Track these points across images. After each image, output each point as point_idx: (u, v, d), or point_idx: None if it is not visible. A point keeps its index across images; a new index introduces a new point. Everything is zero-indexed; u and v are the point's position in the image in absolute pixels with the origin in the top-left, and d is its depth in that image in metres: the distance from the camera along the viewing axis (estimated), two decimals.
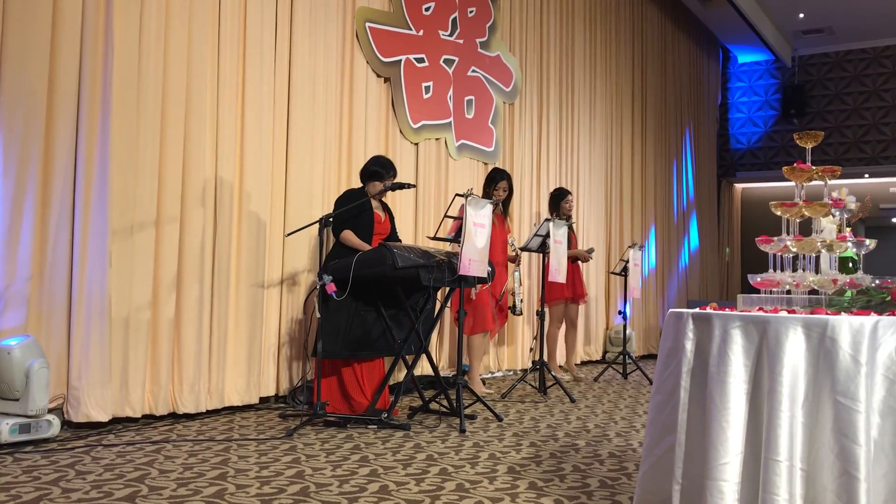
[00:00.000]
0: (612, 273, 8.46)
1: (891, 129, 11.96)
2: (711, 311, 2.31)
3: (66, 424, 4.02)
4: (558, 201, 7.05)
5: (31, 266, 3.89)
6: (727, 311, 2.26)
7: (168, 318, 4.43)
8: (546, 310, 7.06)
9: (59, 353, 4.01)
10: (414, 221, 6.31)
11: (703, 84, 12.34)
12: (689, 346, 2.33)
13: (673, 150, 11.15)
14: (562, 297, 7.00)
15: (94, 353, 4.04)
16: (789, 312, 2.19)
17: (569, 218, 7.10)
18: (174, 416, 4.48)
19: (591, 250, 7.23)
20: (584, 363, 8.44)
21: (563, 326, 7.19)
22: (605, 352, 8.98)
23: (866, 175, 12.05)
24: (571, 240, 7.06)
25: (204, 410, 4.58)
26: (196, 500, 2.83)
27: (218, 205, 4.73)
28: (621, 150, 9.67)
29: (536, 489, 3.11)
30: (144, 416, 4.35)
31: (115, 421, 4.19)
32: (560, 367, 7.37)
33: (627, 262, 7.52)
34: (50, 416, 3.76)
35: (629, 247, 7.59)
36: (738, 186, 13.43)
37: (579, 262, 7.17)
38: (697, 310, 2.36)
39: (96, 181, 4.09)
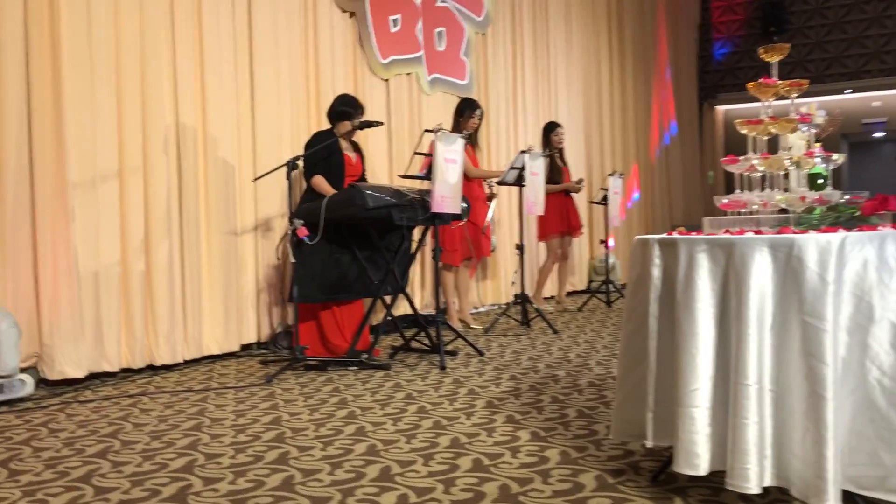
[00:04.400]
0: (593, 202, 8.40)
1: (872, 42, 11.79)
2: (677, 235, 2.25)
3: (43, 383, 3.99)
4: (548, 134, 6.96)
5: None
6: (693, 236, 2.20)
7: (139, 270, 4.35)
8: (544, 244, 7.05)
9: (28, 311, 3.94)
10: (388, 160, 6.20)
11: (681, 5, 12.08)
12: (657, 272, 2.28)
13: (652, 74, 10.97)
14: (557, 231, 6.96)
15: (63, 310, 3.98)
16: (756, 233, 2.13)
17: (560, 151, 7.01)
18: (153, 369, 4.45)
19: (580, 181, 7.14)
20: (568, 294, 8.43)
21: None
22: (590, 281, 8.98)
23: (849, 90, 11.92)
24: (563, 172, 6.99)
25: (182, 361, 4.55)
26: (169, 452, 2.80)
27: (182, 152, 4.61)
28: (599, 76, 9.50)
29: (514, 422, 3.10)
30: (123, 370, 4.32)
31: (93, 376, 4.15)
32: (546, 298, 7.36)
33: (608, 190, 7.46)
34: (23, 376, 3.72)
35: (609, 175, 7.51)
36: (720, 109, 13.27)
37: (572, 195, 7.09)
38: (663, 235, 2.30)
39: (51, 134, 3.96)
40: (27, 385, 3.72)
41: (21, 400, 3.69)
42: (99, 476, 2.53)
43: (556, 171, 6.95)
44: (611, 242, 8.00)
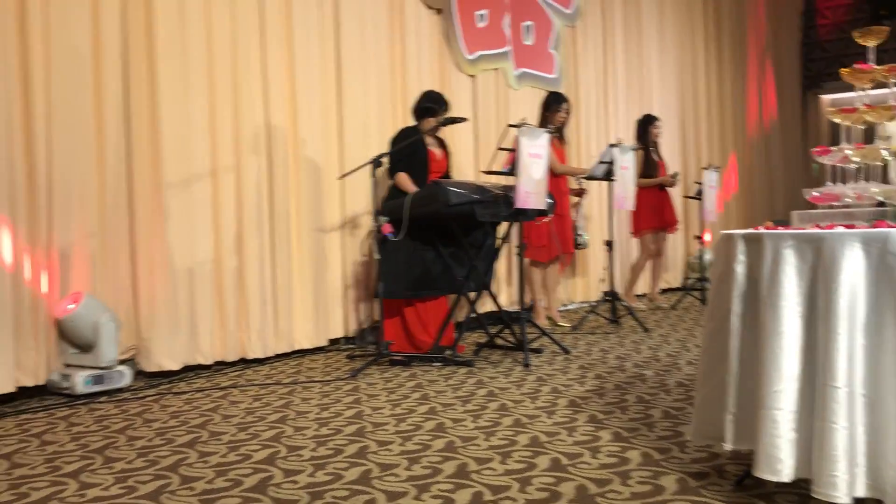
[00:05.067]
0: (687, 197, 8.16)
1: None
2: (763, 230, 2.15)
3: (141, 374, 4.16)
4: (646, 126, 6.82)
5: (92, 222, 3.97)
6: (779, 230, 2.10)
7: (232, 267, 4.49)
8: (637, 240, 6.91)
9: (126, 305, 4.12)
10: (474, 156, 6.19)
11: None
12: (740, 269, 2.18)
13: (752, 63, 10.56)
14: (651, 227, 6.82)
15: (160, 304, 4.14)
16: (847, 227, 2.01)
17: (655, 144, 6.86)
18: (245, 362, 4.59)
19: (675, 175, 6.96)
20: (662, 291, 8.22)
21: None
22: (685, 278, 8.74)
23: None
24: (658, 166, 6.84)
25: (273, 355, 4.67)
26: (253, 443, 2.88)
27: (272, 151, 4.73)
28: (695, 67, 9.21)
29: (596, 422, 3.04)
30: (216, 363, 4.46)
31: (188, 369, 4.30)
32: (638, 296, 7.20)
33: (702, 184, 7.23)
34: (122, 367, 3.89)
35: (703, 168, 7.28)
36: (826, 98, 12.66)
37: (667, 189, 6.92)
38: (748, 230, 2.20)
39: (147, 136, 4.13)
40: (125, 376, 3.89)
41: (119, 390, 3.86)
42: (186, 465, 2.62)
43: (651, 166, 6.79)
44: (707, 238, 7.76)
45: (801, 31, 12.19)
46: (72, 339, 3.82)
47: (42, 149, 3.74)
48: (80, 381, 3.70)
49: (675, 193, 7.48)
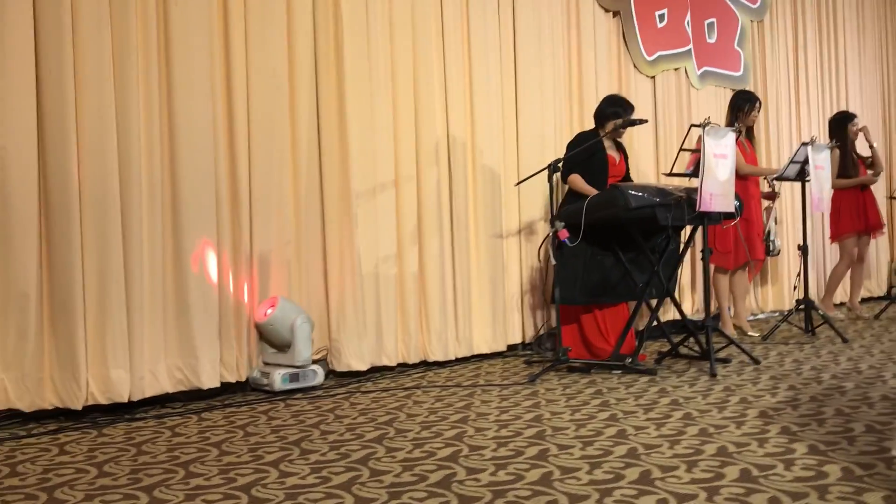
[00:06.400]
0: (892, 198, 7.52)
1: None
2: None
3: (332, 374, 4.40)
4: (845, 124, 6.33)
5: (289, 230, 4.25)
6: None
7: (412, 271, 4.65)
8: (837, 245, 6.48)
9: (319, 308, 4.37)
10: (654, 159, 6.04)
11: None
12: None
13: None
14: (853, 230, 6.34)
15: (348, 308, 4.36)
16: None
17: (853, 143, 6.40)
18: (426, 364, 4.73)
19: (877, 172, 6.43)
20: (863, 300, 7.61)
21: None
22: (889, 286, 8.04)
23: None
24: (858, 165, 6.37)
25: (453, 358, 4.78)
26: (437, 441, 2.96)
27: (452, 161, 4.85)
28: None
29: (789, 434, 2.87)
30: (399, 365, 4.63)
31: (374, 370, 4.50)
32: (836, 305, 6.71)
33: None
34: (315, 367, 4.13)
35: None
36: None
37: (870, 189, 6.42)
38: None
39: (337, 148, 4.38)
40: (318, 375, 4.13)
41: (313, 388, 4.10)
42: (375, 459, 2.74)
43: (850, 165, 6.32)
44: None
45: None
46: (270, 340, 4.11)
47: (244, 165, 4.06)
48: (278, 379, 3.96)
49: (879, 194, 6.91)
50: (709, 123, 4.26)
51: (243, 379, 4.05)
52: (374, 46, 4.51)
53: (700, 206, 4.17)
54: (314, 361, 4.20)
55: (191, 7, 3.85)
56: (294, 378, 4.01)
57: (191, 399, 3.86)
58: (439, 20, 4.84)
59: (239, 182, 4.04)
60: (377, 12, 4.53)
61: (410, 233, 4.66)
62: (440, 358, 4.71)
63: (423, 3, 4.75)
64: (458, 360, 4.85)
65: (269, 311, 4.05)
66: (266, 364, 4.15)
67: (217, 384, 3.92)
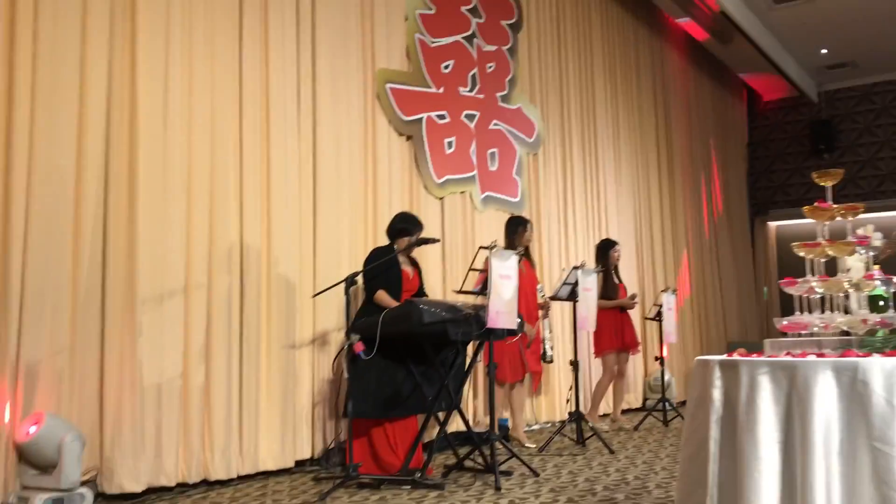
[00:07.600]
0: (647, 318, 8.35)
1: None
2: (738, 357, 2.26)
3: (101, 496, 4.02)
4: (608, 250, 7.05)
5: (63, 337, 3.93)
6: (754, 358, 2.20)
7: (198, 384, 4.44)
8: (600, 360, 7.01)
9: (91, 424, 4.02)
10: (442, 275, 6.31)
11: (730, 124, 12.30)
12: (717, 394, 2.27)
13: (702, 191, 11.06)
14: (613, 347, 6.95)
15: (125, 424, 4.06)
16: (818, 356, 2.13)
17: (616, 267, 7.08)
18: (208, 484, 4.46)
19: (633, 297, 7.18)
20: (624, 411, 8.25)
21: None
22: (645, 399, 8.81)
23: None
24: (619, 288, 7.03)
25: (236, 476, 4.56)
26: None
27: (244, 269, 4.77)
28: (649, 193, 9.61)
29: None
30: (178, 485, 4.34)
31: (150, 491, 4.17)
32: (601, 416, 7.23)
33: (661, 306, 7.43)
34: (83, 489, 3.76)
35: (662, 291, 7.49)
36: (772, 225, 13.23)
37: (628, 311, 7.11)
38: (724, 357, 2.30)
39: (124, 253, 4.16)
40: (86, 499, 3.76)
41: None
42: None
43: (611, 288, 6.98)
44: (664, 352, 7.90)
45: (747, 162, 12.87)
46: (33, 461, 3.70)
47: (17, 260, 3.73)
48: None
49: (635, 315, 7.65)
50: (495, 246, 4.56)
51: None
52: (170, 142, 4.41)
53: (488, 323, 4.41)
54: (82, 483, 3.83)
55: None
56: (58, 503, 3.62)
57: None
58: (238, 122, 4.84)
59: (10, 279, 3.70)
60: (176, 108, 4.45)
61: (198, 343, 4.48)
62: (223, 476, 4.47)
63: (224, 102, 4.74)
64: (243, 479, 4.63)
65: (33, 429, 3.67)
66: (24, 488, 3.72)
67: None
